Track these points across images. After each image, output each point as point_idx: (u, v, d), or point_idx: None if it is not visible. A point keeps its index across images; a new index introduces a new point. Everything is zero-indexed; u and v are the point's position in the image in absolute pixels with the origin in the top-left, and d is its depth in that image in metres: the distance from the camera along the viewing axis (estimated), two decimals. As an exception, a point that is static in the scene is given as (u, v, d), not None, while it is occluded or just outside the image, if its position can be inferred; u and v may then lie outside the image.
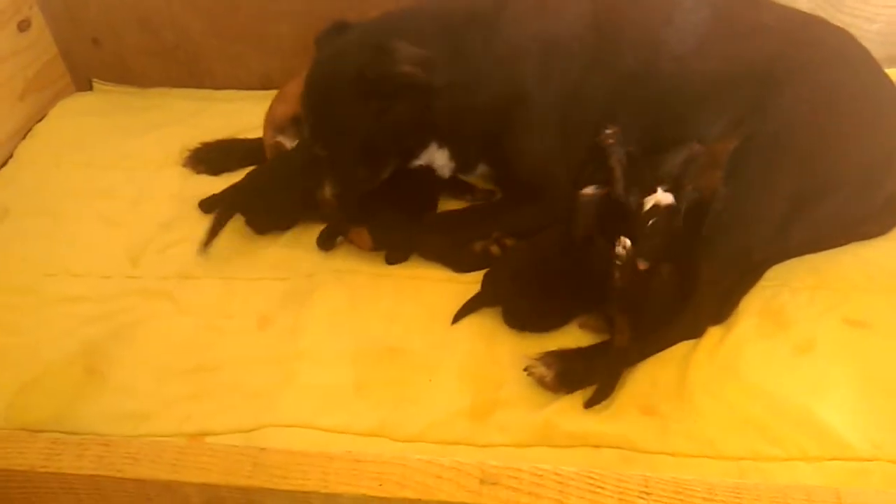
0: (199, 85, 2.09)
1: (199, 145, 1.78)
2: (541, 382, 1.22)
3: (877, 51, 1.54)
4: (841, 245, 1.47)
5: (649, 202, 1.34)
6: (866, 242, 1.49)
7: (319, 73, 1.45)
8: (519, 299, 1.34)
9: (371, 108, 1.38)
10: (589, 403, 1.20)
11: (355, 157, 1.44)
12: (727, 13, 1.49)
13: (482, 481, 0.70)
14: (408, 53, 1.34)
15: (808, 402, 1.20)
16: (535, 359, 1.24)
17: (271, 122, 1.63)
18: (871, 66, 1.48)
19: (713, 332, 1.33)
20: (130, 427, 1.24)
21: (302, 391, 1.27)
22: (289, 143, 1.58)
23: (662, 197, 1.34)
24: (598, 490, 0.70)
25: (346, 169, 1.46)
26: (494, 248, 1.45)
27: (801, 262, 1.45)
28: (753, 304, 1.38)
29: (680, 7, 1.48)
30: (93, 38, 2.08)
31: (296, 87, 1.49)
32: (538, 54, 1.45)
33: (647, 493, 0.70)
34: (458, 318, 1.37)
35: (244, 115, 1.88)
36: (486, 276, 1.39)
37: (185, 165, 1.76)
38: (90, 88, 2.15)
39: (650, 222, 1.32)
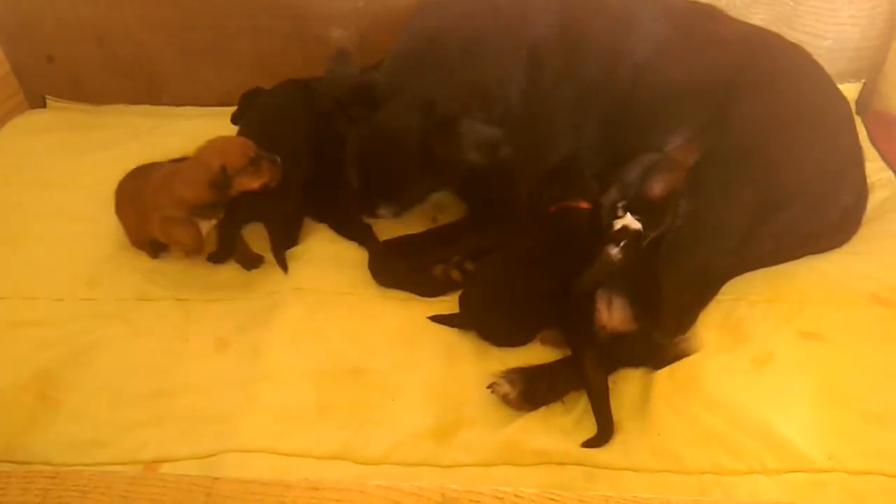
0: (157, 102, 2.07)
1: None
2: (504, 400, 1.22)
3: (827, 67, 1.58)
4: (797, 258, 1.50)
5: (618, 224, 1.34)
6: (821, 255, 1.51)
7: (379, 141, 1.39)
8: (497, 317, 1.34)
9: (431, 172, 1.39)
10: (589, 445, 1.19)
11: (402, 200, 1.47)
12: (686, 25, 1.52)
13: (443, 505, 0.69)
14: (476, 137, 1.33)
15: (767, 415, 1.22)
16: (499, 376, 1.24)
17: (181, 205, 1.48)
18: (825, 81, 1.52)
19: (674, 346, 1.34)
20: (85, 455, 1.20)
21: (262, 414, 1.24)
22: (205, 225, 1.52)
23: (630, 221, 1.34)
24: (560, 511, 0.70)
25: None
26: (455, 274, 1.44)
27: (758, 275, 1.47)
28: (712, 318, 1.39)
29: (640, 17, 1.50)
30: (47, 55, 2.04)
31: (198, 173, 1.45)
32: (524, 71, 1.45)
33: (609, 513, 0.70)
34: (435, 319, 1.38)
35: (202, 132, 1.80)
36: (461, 296, 1.39)
37: None
38: (44, 105, 2.11)
39: (621, 244, 1.32)
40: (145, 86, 2.06)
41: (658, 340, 1.28)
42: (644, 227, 1.34)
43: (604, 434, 1.19)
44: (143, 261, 1.54)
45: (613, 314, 1.22)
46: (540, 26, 1.48)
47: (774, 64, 1.48)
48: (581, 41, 1.48)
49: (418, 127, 1.34)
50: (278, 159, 1.48)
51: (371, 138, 1.38)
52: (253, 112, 1.72)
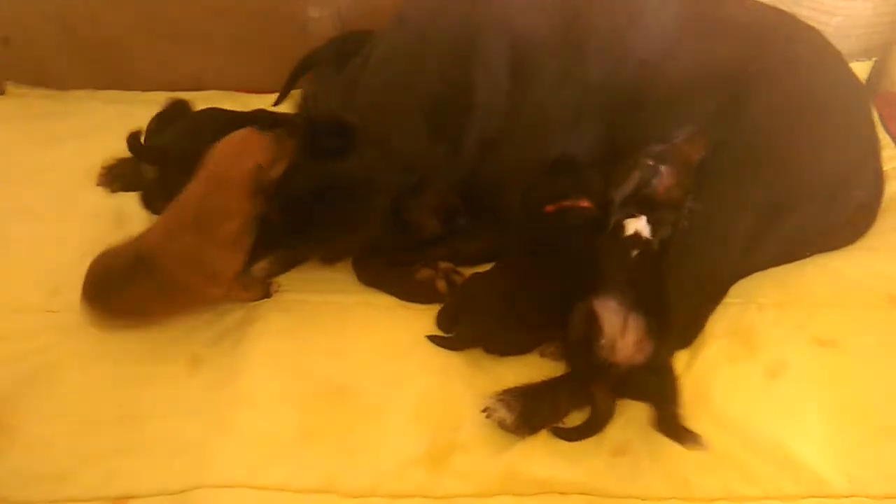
0: (125, 87, 1.93)
1: (114, 161, 1.63)
2: (501, 426, 1.13)
3: (837, 44, 1.48)
4: (808, 257, 1.42)
5: (630, 227, 1.24)
6: (834, 253, 1.43)
7: (343, 187, 1.31)
8: (494, 331, 1.25)
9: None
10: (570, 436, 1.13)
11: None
12: (694, 9, 1.40)
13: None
14: (432, 204, 1.31)
15: (782, 434, 1.15)
16: (494, 399, 1.15)
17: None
18: (841, 68, 1.42)
19: (680, 357, 1.25)
20: (45, 490, 1.11)
21: (239, 442, 1.15)
22: None
23: (643, 227, 1.24)
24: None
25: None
26: (441, 285, 1.34)
27: (767, 275, 1.39)
28: (720, 324, 1.31)
29: (645, 7, 1.39)
30: (3, 36, 1.89)
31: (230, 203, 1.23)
32: (509, 82, 1.37)
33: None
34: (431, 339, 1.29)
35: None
36: (441, 311, 1.31)
37: (99, 184, 1.61)
38: (2, 92, 1.96)
39: (633, 253, 1.22)
40: (111, 70, 1.92)
41: (661, 358, 1.19)
42: (653, 228, 1.25)
43: (593, 427, 1.12)
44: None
45: (627, 336, 1.11)
46: (537, 26, 1.39)
47: (789, 50, 1.37)
48: (583, 41, 1.38)
49: (393, 186, 1.31)
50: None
51: (340, 179, 1.30)
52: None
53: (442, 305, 1.31)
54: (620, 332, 1.10)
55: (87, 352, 1.29)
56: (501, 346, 1.25)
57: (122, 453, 1.15)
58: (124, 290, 1.22)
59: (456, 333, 1.27)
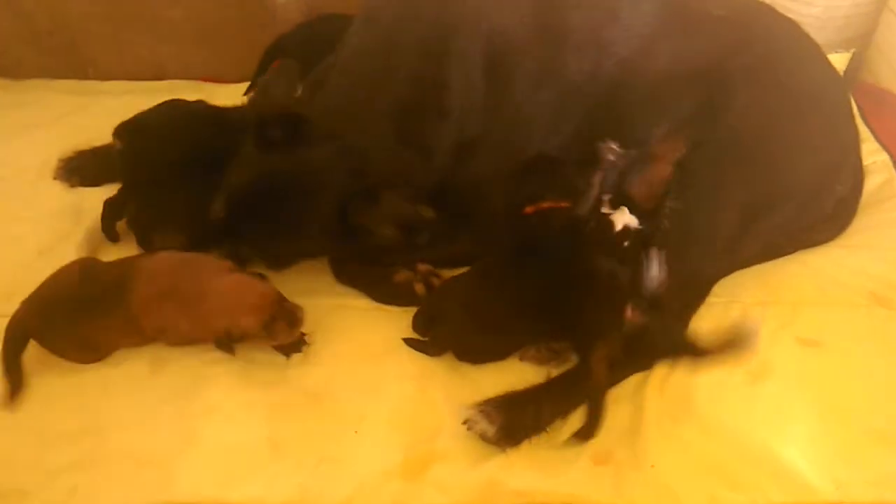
0: (82, 76, 1.88)
1: (72, 154, 1.55)
2: (483, 438, 1.09)
3: (815, 36, 1.45)
4: (789, 254, 1.40)
5: (618, 222, 1.20)
6: (816, 249, 1.41)
7: (291, 182, 1.23)
8: (473, 336, 1.20)
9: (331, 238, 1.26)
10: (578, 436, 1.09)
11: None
12: (672, 5, 1.36)
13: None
14: (395, 213, 1.22)
15: (768, 439, 1.12)
16: (475, 410, 1.10)
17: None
18: (820, 62, 1.39)
19: (662, 360, 1.22)
20: (2, 509, 1.05)
21: (206, 455, 1.10)
22: None
23: (630, 219, 1.21)
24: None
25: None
26: (420, 287, 1.29)
27: (750, 273, 1.37)
28: (703, 324, 1.28)
29: (624, 3, 1.34)
30: (-48, 24, 1.81)
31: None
32: (485, 84, 1.32)
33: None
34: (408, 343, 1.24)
35: (133, 110, 1.62)
36: (416, 315, 1.26)
37: (56, 178, 1.53)
38: (-48, 81, 1.87)
39: (625, 245, 1.19)
40: (67, 58, 1.85)
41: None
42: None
43: (592, 427, 1.09)
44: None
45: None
46: (512, 25, 1.33)
47: (769, 45, 1.34)
48: (560, 39, 1.33)
49: (340, 187, 1.22)
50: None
51: (282, 175, 1.22)
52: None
53: (417, 309, 1.26)
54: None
55: (44, 358, 1.22)
56: (477, 350, 1.21)
57: (83, 467, 1.09)
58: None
59: (430, 338, 1.22)
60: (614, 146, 1.30)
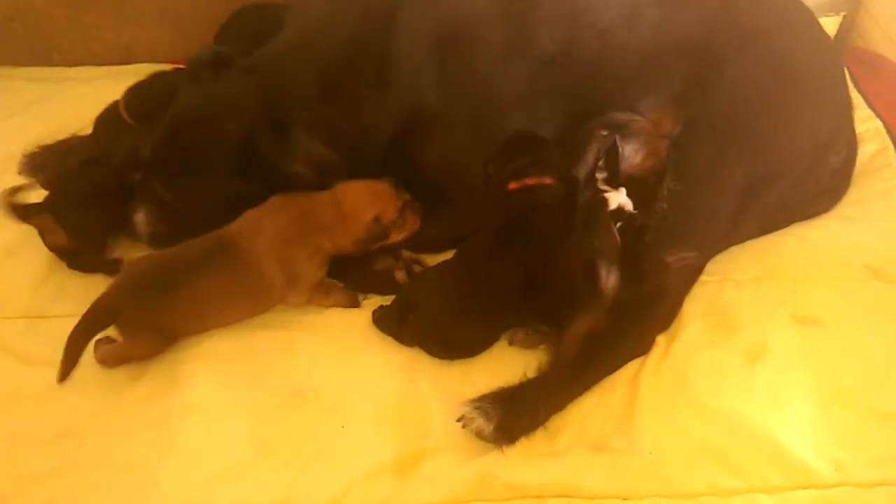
0: (45, 63, 1.80)
1: (35, 149, 1.48)
2: (479, 436, 1.05)
3: (805, -1, 1.40)
4: (784, 227, 1.36)
5: (613, 202, 1.16)
6: (810, 222, 1.38)
7: (200, 113, 1.21)
8: (456, 322, 1.15)
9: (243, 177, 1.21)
10: None
11: (204, 211, 1.24)
12: None
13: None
14: (308, 153, 1.18)
15: (766, 422, 1.09)
16: (470, 406, 1.06)
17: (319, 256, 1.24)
18: (811, 28, 1.35)
19: (657, 342, 1.20)
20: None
21: (188, 458, 1.06)
22: None
23: (625, 201, 1.17)
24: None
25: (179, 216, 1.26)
26: (400, 275, 1.25)
27: (743, 249, 1.33)
28: (697, 304, 1.25)
29: None
30: None
31: (347, 225, 1.21)
32: (437, 58, 1.27)
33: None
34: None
35: (102, 97, 1.55)
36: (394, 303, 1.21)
37: (20, 173, 1.46)
38: None
39: (617, 225, 1.15)
40: (29, 44, 1.78)
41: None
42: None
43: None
44: (36, 270, 1.30)
45: (609, 280, 1.07)
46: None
47: (758, 15, 1.29)
48: (528, 10, 1.28)
49: (249, 117, 1.18)
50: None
51: (193, 107, 1.21)
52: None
53: (386, 306, 1.21)
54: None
55: (11, 363, 1.18)
56: (457, 339, 1.16)
57: (60, 474, 1.05)
58: (193, 281, 1.14)
59: (405, 330, 1.17)
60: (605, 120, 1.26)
